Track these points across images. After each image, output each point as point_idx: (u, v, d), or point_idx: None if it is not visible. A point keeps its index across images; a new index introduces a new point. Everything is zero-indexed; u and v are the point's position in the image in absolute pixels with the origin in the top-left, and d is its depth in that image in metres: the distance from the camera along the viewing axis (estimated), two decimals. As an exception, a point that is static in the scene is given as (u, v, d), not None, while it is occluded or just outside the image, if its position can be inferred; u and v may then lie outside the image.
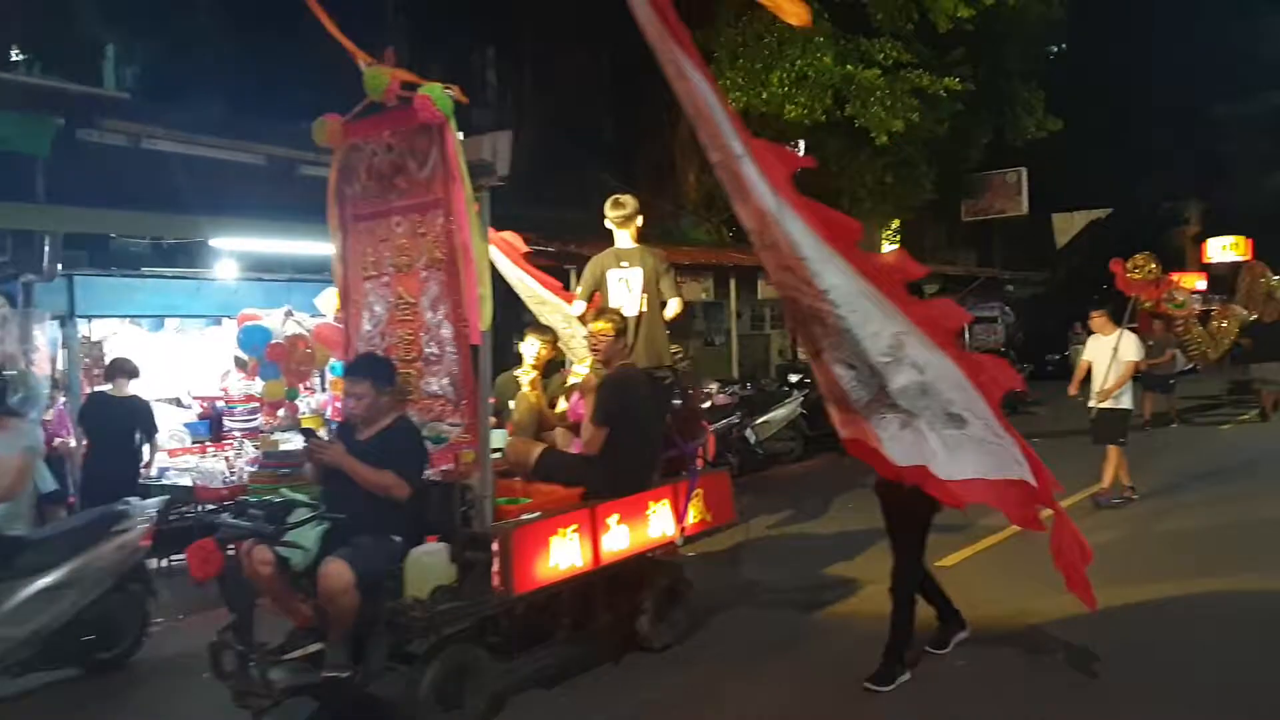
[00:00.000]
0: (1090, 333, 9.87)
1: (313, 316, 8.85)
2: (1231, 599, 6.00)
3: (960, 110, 15.64)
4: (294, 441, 7.98)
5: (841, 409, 4.39)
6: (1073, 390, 9.65)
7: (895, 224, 21.66)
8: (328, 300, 8.84)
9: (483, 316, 4.45)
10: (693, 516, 5.54)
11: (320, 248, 9.40)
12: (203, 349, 9.87)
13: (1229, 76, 24.48)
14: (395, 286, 5.03)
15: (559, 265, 10.96)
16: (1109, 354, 8.89)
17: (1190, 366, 19.42)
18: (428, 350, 4.89)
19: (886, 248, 22.82)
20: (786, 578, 7.12)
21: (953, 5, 14.11)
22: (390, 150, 4.90)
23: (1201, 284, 29.95)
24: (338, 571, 4.09)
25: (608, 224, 6.20)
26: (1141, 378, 13.11)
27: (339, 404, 8.77)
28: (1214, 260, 31.10)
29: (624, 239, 6.19)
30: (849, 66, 13.65)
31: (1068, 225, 24.80)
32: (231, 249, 9.39)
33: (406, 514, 4.49)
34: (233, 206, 8.88)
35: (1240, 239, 29.91)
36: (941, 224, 25.30)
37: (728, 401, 11.74)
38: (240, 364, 9.02)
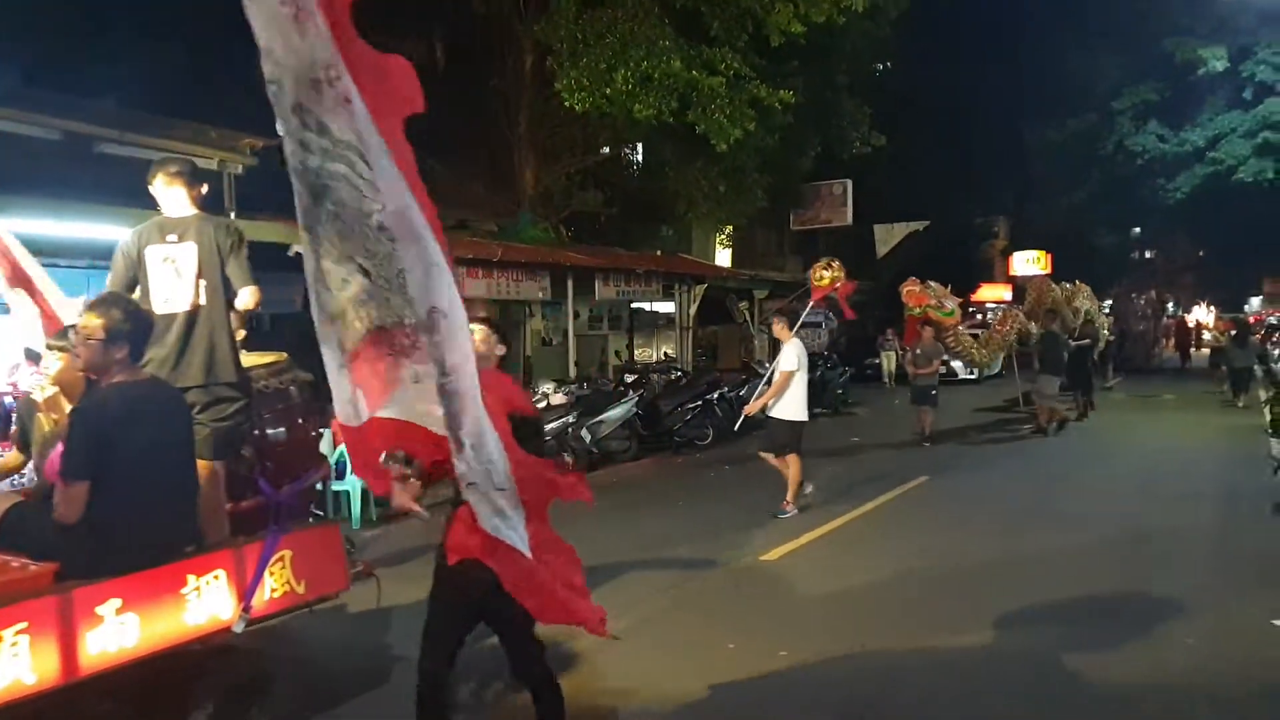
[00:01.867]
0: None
1: (113, 306, 8.18)
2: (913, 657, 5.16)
3: (791, 122, 16.17)
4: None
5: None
6: (750, 410, 9.41)
7: (729, 230, 22.21)
8: (131, 289, 8.24)
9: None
10: (271, 590, 3.94)
11: (125, 233, 8.76)
12: (-14, 340, 8.94)
13: (1037, 104, 26.46)
14: None
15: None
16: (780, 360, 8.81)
17: (974, 375, 20.67)
18: None
19: (720, 253, 23.43)
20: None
21: (785, 20, 14.57)
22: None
23: (1007, 294, 32.27)
24: None
25: (152, 186, 4.37)
26: (910, 389, 13.92)
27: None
28: (1018, 273, 33.57)
29: (174, 202, 4.35)
30: (694, 73, 13.88)
31: (888, 236, 26.14)
32: (19, 231, 8.54)
33: None
34: (20, 184, 8.10)
35: (1042, 253, 32.36)
36: (772, 232, 26.17)
37: (564, 401, 11.68)
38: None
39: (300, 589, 4.12)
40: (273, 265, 11.41)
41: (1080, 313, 17.66)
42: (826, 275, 9.71)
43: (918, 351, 13.60)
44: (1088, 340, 16.48)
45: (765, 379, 9.78)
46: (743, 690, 4.77)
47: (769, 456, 8.82)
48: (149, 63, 11.63)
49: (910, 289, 13.13)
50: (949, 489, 10.35)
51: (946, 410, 15.26)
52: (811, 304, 9.89)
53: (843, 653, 5.24)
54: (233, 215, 9.85)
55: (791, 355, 8.57)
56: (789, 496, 8.65)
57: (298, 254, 9.99)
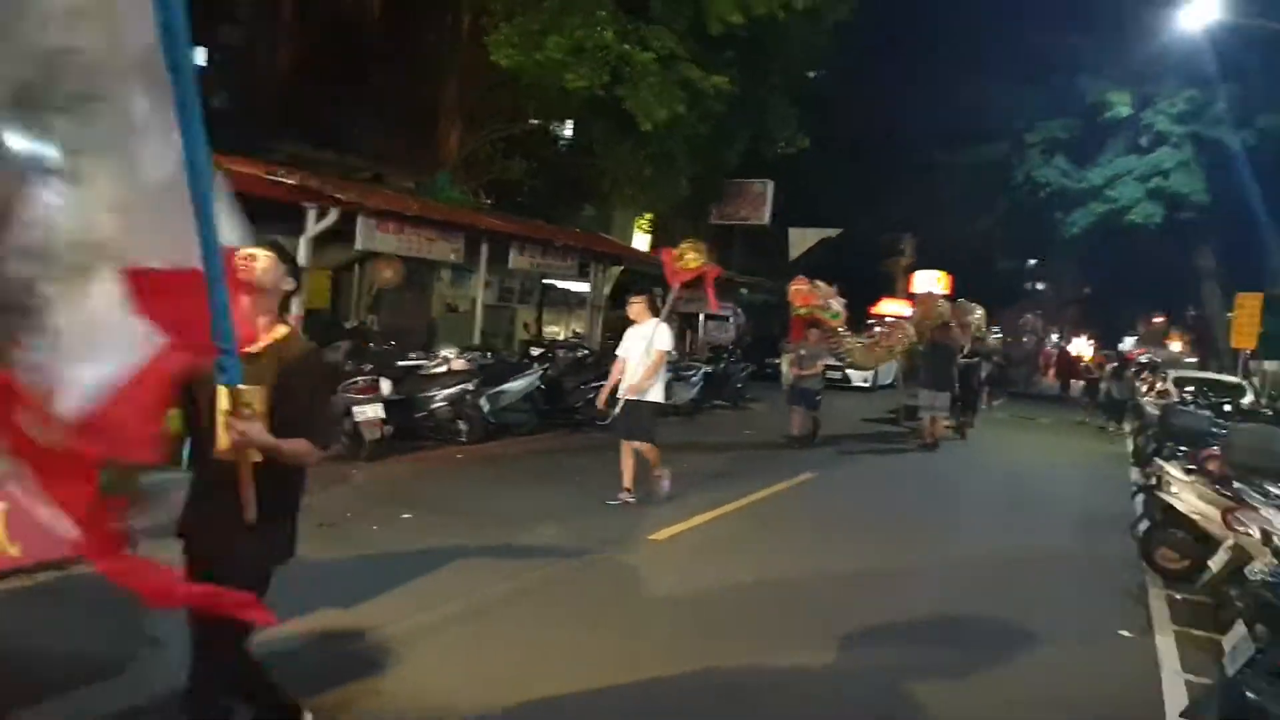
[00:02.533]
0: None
1: None
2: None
3: (723, 112, 16.30)
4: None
5: None
6: (601, 401, 8.77)
7: (649, 216, 22.29)
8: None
9: None
10: None
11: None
12: None
13: (954, 128, 27.30)
14: None
15: (297, 203, 10.29)
16: (643, 345, 8.28)
17: (867, 384, 21.04)
18: None
19: (638, 237, 23.51)
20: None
21: (728, 8, 14.66)
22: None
23: (908, 310, 33.20)
24: None
25: None
26: (789, 390, 13.56)
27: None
28: (919, 290, 34.61)
29: None
30: (626, 46, 13.83)
31: (801, 240, 26.66)
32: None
33: None
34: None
35: (944, 274, 33.44)
36: (690, 223, 26.34)
37: (465, 367, 11.55)
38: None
39: (13, 551, 3.11)
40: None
41: (970, 329, 17.56)
42: (692, 257, 8.88)
43: (802, 352, 13.32)
44: (976, 358, 16.74)
45: (618, 365, 8.54)
46: (584, 685, 4.55)
47: (633, 444, 8.39)
48: None
49: (798, 288, 12.84)
50: (829, 488, 10.68)
51: (836, 415, 15.68)
52: (677, 289, 8.95)
53: (689, 658, 4.94)
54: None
55: (666, 335, 8.38)
56: (628, 483, 8.36)
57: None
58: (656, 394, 8.36)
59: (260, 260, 2.93)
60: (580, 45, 13.58)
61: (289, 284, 3.26)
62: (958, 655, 5.45)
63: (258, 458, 2.64)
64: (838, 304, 12.94)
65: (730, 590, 6.33)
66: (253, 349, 2.82)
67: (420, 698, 4.21)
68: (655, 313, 8.45)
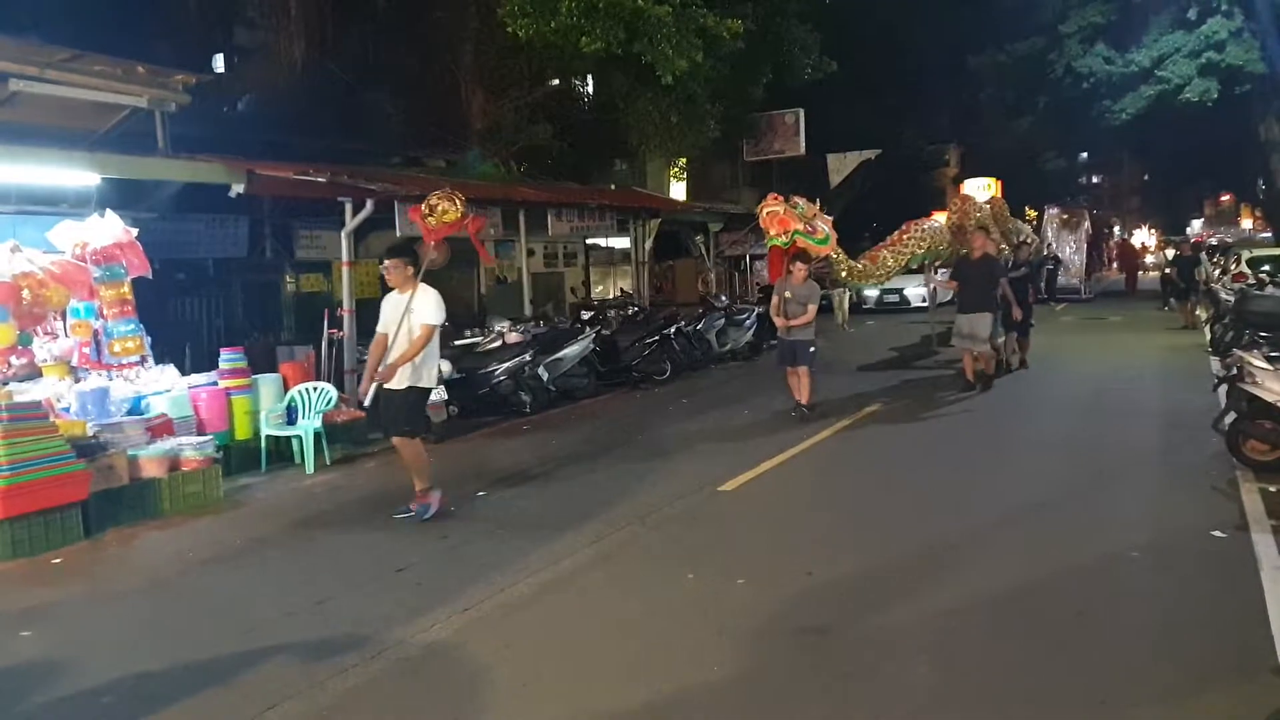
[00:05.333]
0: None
1: (46, 253, 7.90)
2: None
3: (742, 49, 15.92)
4: (32, 391, 7.17)
5: None
6: (363, 390, 6.88)
7: (683, 162, 21.99)
8: (65, 235, 7.95)
9: None
10: None
11: (52, 176, 8.42)
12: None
13: (983, 28, 26.28)
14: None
15: (333, 197, 10.31)
16: (401, 316, 6.65)
17: (925, 304, 17.48)
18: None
19: (675, 186, 23.22)
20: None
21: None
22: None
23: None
24: None
25: None
26: (780, 347, 10.37)
27: (85, 348, 7.97)
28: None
29: None
30: (640, 1, 13.55)
31: (841, 164, 26.03)
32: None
33: None
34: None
35: (993, 180, 32.53)
36: (725, 164, 25.96)
37: (519, 339, 11.57)
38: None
39: None
40: (213, 207, 11.14)
41: (1018, 234, 16.03)
42: (444, 209, 7.34)
43: (786, 295, 10.06)
44: (1024, 269, 13.57)
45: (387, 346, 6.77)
46: (702, 617, 4.80)
47: (404, 442, 6.73)
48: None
49: (771, 209, 10.31)
50: (898, 419, 10.47)
51: (897, 337, 15.37)
52: (432, 248, 7.27)
53: (795, 579, 5.29)
54: (166, 157, 9.51)
55: (431, 306, 6.67)
56: (424, 483, 6.78)
57: (239, 195, 9.73)
58: (423, 378, 6.73)
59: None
60: (594, 5, 13.31)
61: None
62: (1042, 565, 5.34)
63: None
64: (825, 225, 10.71)
65: (824, 517, 6.50)
66: None
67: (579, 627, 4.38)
68: (418, 276, 6.78)
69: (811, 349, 10.19)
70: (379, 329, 6.84)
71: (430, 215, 7.33)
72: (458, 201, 7.44)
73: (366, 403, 6.89)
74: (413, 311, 6.63)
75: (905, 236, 12.72)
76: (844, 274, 11.97)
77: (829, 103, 23.79)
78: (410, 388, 6.66)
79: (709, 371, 14.49)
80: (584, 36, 13.57)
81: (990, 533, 6.04)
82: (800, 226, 10.21)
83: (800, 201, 10.50)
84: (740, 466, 7.98)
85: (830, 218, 11.07)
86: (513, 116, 16.51)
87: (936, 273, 15.60)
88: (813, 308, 10.04)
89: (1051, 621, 4.60)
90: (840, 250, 11.42)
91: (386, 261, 6.86)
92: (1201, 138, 28.31)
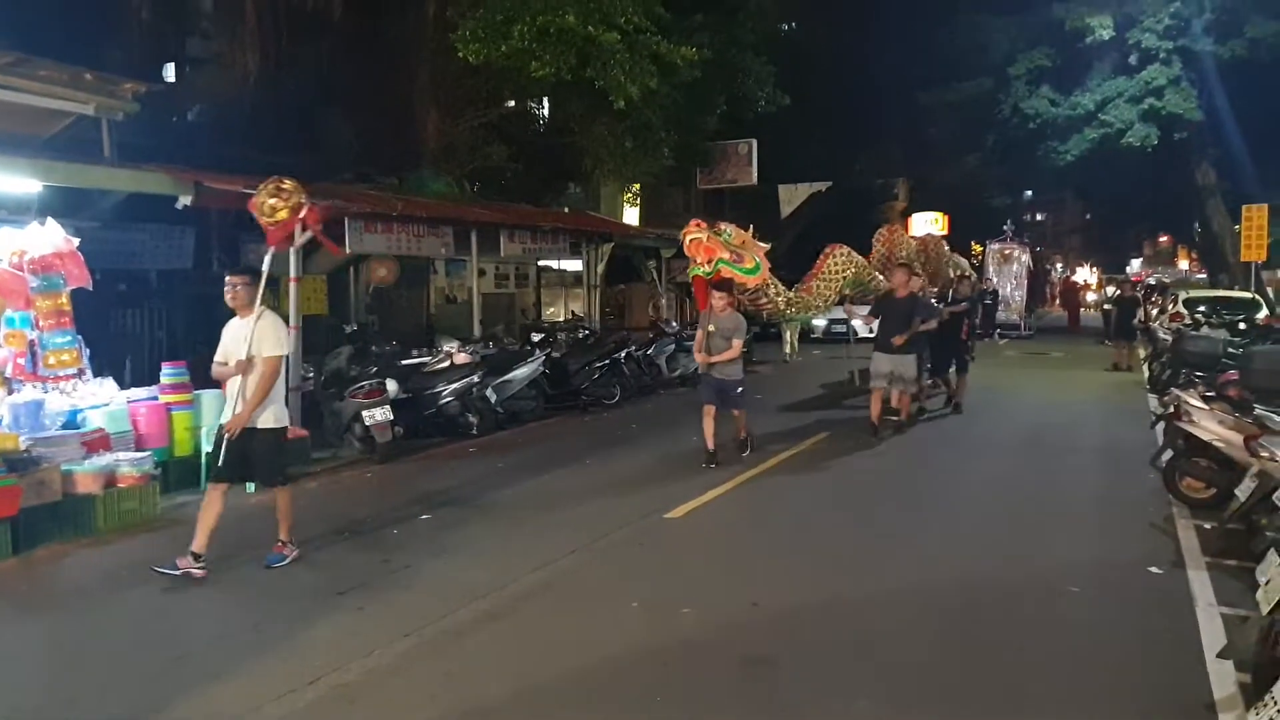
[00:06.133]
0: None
1: (-19, 260, 7.67)
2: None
3: (698, 78, 16.07)
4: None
5: None
6: (234, 428, 5.87)
7: (636, 188, 22.09)
8: (2, 242, 7.73)
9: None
10: None
11: (-7, 182, 8.19)
12: None
13: (934, 67, 26.89)
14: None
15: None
16: (244, 346, 5.86)
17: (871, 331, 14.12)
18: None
19: (628, 211, 23.30)
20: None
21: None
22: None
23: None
24: None
25: None
26: (702, 384, 9.60)
27: (19, 359, 7.73)
28: (917, 234, 34.34)
29: None
30: (590, 28, 13.61)
31: (792, 195, 26.35)
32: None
33: None
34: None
35: (940, 214, 33.15)
36: (679, 191, 26.12)
37: (468, 360, 11.47)
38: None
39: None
40: (160, 218, 10.91)
41: (956, 269, 15.63)
42: (273, 204, 6.80)
43: (710, 328, 9.15)
44: (964, 304, 12.86)
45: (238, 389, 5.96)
46: (646, 646, 4.78)
47: (284, 490, 6.21)
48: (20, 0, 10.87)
49: (694, 235, 9.27)
50: (837, 453, 10.55)
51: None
52: (272, 249, 6.81)
53: (741, 608, 5.30)
54: (113, 166, 9.30)
55: (275, 333, 5.93)
56: (288, 534, 6.20)
57: (185, 206, 9.53)
58: (273, 418, 5.98)
59: None
60: (545, 30, 13.36)
61: None
62: (978, 600, 5.41)
63: None
64: (756, 254, 9.69)
65: (770, 545, 6.47)
66: None
67: (525, 656, 4.25)
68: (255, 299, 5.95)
69: (739, 389, 9.37)
70: (217, 358, 6.05)
71: (265, 214, 6.77)
72: (290, 189, 6.78)
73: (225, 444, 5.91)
74: (255, 340, 5.86)
75: (829, 261, 11.86)
76: (783, 307, 10.93)
77: (782, 134, 24.09)
78: (282, 428, 6.10)
79: (658, 396, 14.51)
80: (534, 61, 13.59)
81: (929, 568, 6.10)
82: (726, 255, 9.26)
83: (728, 228, 9.64)
84: (687, 494, 7.97)
85: (765, 245, 10.16)
86: (468, 137, 16.46)
87: (856, 305, 13.65)
88: (737, 342, 9.23)
89: (991, 655, 4.67)
90: (775, 282, 10.51)
91: (233, 277, 5.97)
92: (1142, 180, 29.22)
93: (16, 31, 9.95)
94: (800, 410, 13.09)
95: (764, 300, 10.30)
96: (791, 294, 11.15)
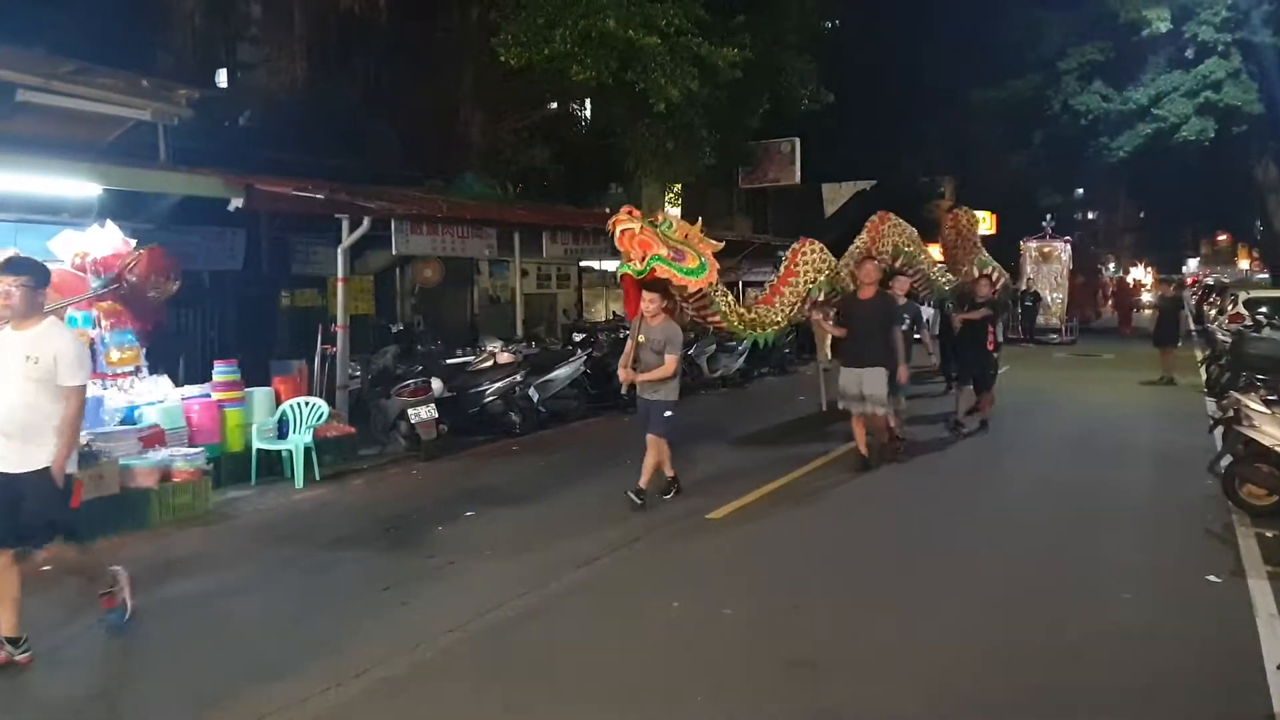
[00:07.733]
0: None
1: (46, 261, 7.86)
2: None
3: (740, 78, 16.00)
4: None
5: None
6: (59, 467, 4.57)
7: (678, 188, 22.06)
8: (66, 244, 7.94)
9: None
10: None
11: (55, 186, 8.41)
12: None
13: (979, 64, 26.50)
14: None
15: (330, 214, 10.31)
16: (20, 366, 4.44)
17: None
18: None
19: (670, 211, 23.28)
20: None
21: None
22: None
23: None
24: None
25: None
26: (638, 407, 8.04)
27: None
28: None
29: None
30: (631, 32, 13.62)
31: (835, 195, 26.12)
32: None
33: None
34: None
35: (988, 213, 32.65)
36: (721, 191, 26.03)
37: (511, 360, 11.56)
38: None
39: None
40: (212, 220, 11.13)
41: (983, 267, 14.08)
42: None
43: (641, 339, 7.60)
44: (983, 310, 10.97)
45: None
46: (689, 646, 4.78)
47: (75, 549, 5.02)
48: (81, 9, 11.14)
49: (625, 225, 7.57)
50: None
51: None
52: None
53: (783, 610, 5.28)
54: (167, 170, 9.51)
55: (78, 356, 4.60)
56: (104, 583, 5.09)
57: (238, 209, 9.73)
58: (50, 457, 4.50)
59: None
60: (587, 34, 13.39)
61: None
62: (1027, 606, 5.33)
63: None
64: (703, 253, 7.96)
65: (811, 547, 6.43)
66: None
67: (569, 651, 4.28)
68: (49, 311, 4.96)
69: (666, 412, 7.58)
70: None
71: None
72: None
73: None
74: (41, 361, 4.42)
75: (798, 259, 9.99)
76: (737, 324, 9.05)
77: (826, 132, 23.88)
78: (67, 476, 4.59)
79: (699, 396, 14.48)
80: (576, 65, 13.64)
81: (982, 573, 6.02)
82: (663, 251, 7.52)
83: (669, 218, 8.03)
84: (728, 495, 7.95)
85: (717, 244, 8.24)
86: (511, 139, 16.56)
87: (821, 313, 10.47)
88: (671, 358, 7.47)
89: (1044, 663, 4.59)
90: (725, 290, 8.85)
91: (6, 278, 4.49)
92: (1198, 177, 28.46)
93: (75, 40, 10.21)
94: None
95: (711, 312, 8.58)
96: (747, 308, 9.60)
